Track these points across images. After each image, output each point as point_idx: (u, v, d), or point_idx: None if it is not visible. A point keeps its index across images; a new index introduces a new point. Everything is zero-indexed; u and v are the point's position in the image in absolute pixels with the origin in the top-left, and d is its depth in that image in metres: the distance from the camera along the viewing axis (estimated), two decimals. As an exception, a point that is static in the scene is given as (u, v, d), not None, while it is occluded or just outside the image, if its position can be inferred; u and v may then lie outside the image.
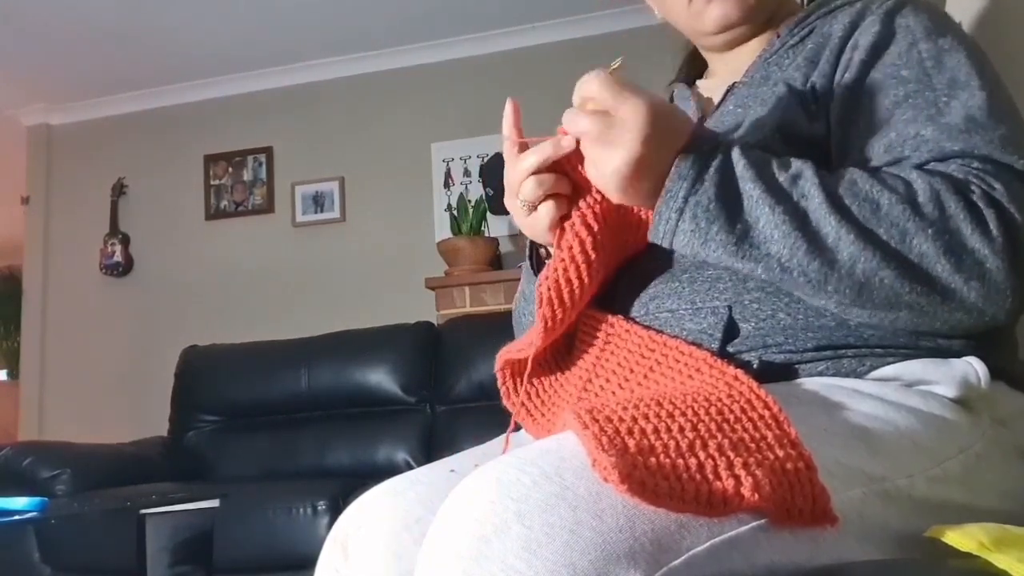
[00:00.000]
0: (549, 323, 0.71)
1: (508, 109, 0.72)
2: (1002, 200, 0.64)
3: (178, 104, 4.13)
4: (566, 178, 0.71)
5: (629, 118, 0.63)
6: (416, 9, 3.54)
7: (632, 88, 0.64)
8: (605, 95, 0.64)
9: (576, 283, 0.71)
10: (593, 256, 0.71)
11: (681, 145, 0.66)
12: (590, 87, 0.65)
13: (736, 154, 0.66)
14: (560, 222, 0.72)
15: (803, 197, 0.64)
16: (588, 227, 0.71)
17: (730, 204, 0.64)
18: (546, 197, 0.71)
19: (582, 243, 0.71)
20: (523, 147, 0.72)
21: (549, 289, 0.71)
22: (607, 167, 0.65)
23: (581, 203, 0.71)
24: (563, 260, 0.71)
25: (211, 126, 4.09)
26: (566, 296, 0.71)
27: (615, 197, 0.68)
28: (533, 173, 0.70)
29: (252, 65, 3.95)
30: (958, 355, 0.68)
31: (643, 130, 0.63)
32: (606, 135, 0.64)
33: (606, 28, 3.65)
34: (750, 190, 0.64)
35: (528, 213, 0.73)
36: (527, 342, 0.75)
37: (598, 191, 0.71)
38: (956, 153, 0.68)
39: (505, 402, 0.79)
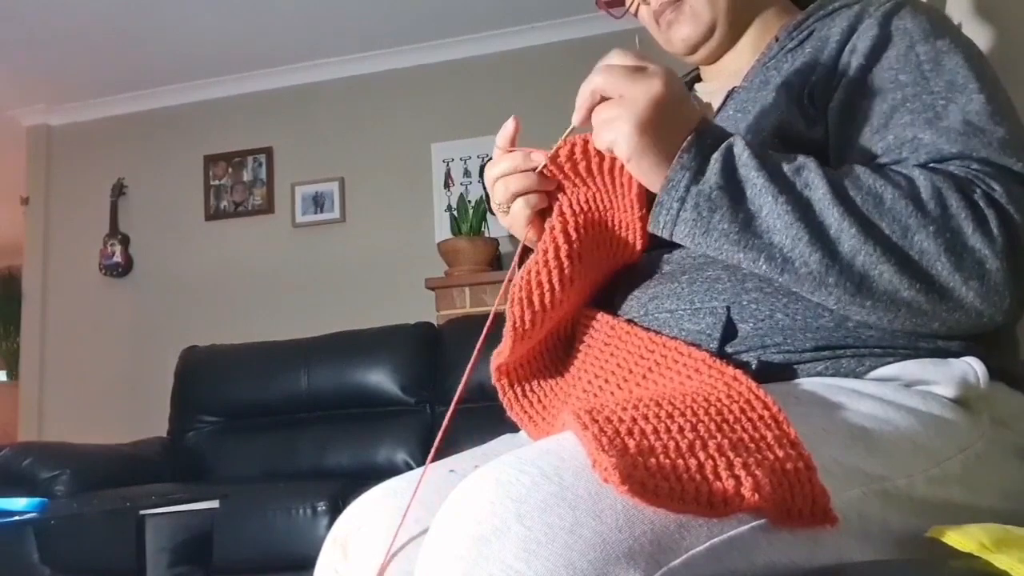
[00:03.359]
0: (518, 323, 0.70)
1: (509, 124, 0.74)
2: (1002, 201, 0.64)
3: (178, 104, 4.13)
4: (543, 193, 0.74)
5: (659, 70, 0.65)
6: (416, 9, 3.54)
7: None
8: (634, 59, 0.66)
9: (547, 287, 0.70)
10: (567, 263, 0.71)
11: (692, 125, 0.66)
12: (617, 56, 0.67)
13: (740, 145, 0.66)
14: (538, 218, 0.75)
15: (807, 187, 0.64)
16: (567, 235, 0.71)
17: (733, 193, 0.64)
18: (515, 197, 0.74)
19: (557, 249, 0.71)
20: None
21: (520, 289, 0.70)
22: (634, 103, 0.64)
23: (566, 210, 0.72)
24: (537, 263, 0.71)
25: (211, 126, 4.09)
26: (536, 299, 0.70)
27: (629, 146, 0.65)
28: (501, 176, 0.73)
29: (252, 65, 3.95)
30: (957, 355, 0.68)
31: (671, 81, 0.65)
32: (636, 75, 0.64)
33: (606, 28, 3.64)
34: (753, 178, 0.64)
35: (504, 212, 0.76)
36: (504, 344, 0.73)
37: (585, 202, 0.72)
38: (954, 155, 0.68)
39: (509, 413, 0.78)
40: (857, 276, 0.63)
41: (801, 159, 0.66)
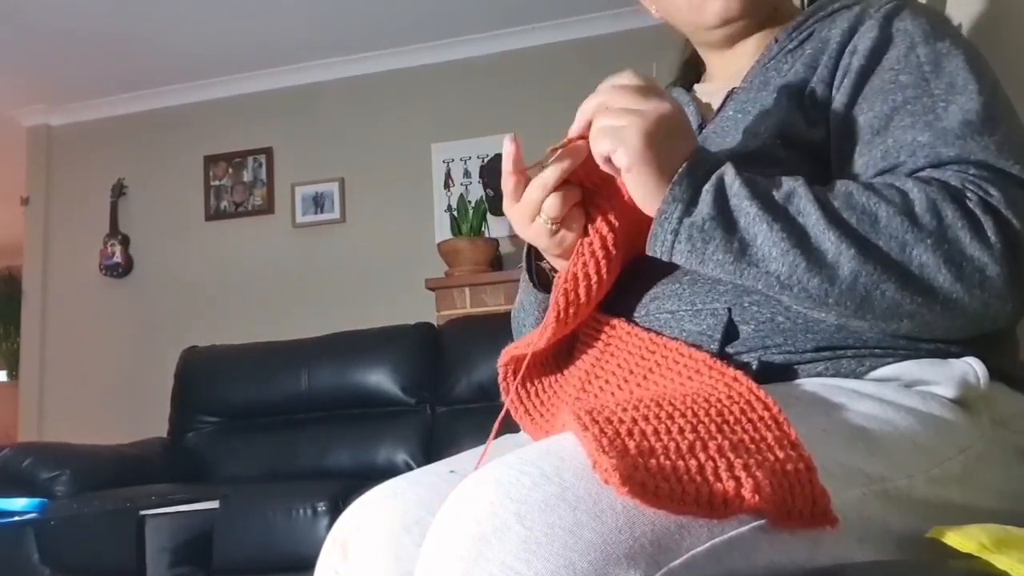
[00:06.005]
0: (562, 315, 0.72)
1: (509, 147, 0.71)
2: (999, 206, 0.64)
3: (178, 104, 4.14)
4: (578, 187, 0.72)
5: (668, 95, 0.67)
6: (416, 9, 3.55)
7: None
8: (645, 81, 0.67)
9: (595, 279, 0.72)
10: (614, 253, 0.72)
11: (688, 152, 0.66)
12: (628, 77, 0.68)
13: (731, 175, 0.66)
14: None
15: (799, 214, 0.64)
16: (610, 224, 0.72)
17: (726, 223, 0.64)
18: (570, 208, 0.71)
19: (603, 239, 0.72)
20: (523, 178, 0.72)
21: (566, 282, 0.72)
22: (643, 116, 0.65)
23: (601, 202, 0.72)
24: (583, 256, 0.72)
25: (211, 126, 4.09)
26: (582, 291, 0.72)
27: (632, 155, 0.65)
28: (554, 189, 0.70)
29: (252, 65, 3.95)
30: (957, 356, 0.68)
31: (679, 109, 0.66)
32: (648, 93, 0.66)
33: (606, 29, 3.65)
34: (746, 208, 0.64)
35: (554, 232, 0.72)
36: (534, 339, 0.75)
37: (611, 193, 0.72)
38: (952, 159, 0.68)
39: (504, 398, 0.79)
40: (858, 296, 0.63)
41: (790, 184, 0.66)
